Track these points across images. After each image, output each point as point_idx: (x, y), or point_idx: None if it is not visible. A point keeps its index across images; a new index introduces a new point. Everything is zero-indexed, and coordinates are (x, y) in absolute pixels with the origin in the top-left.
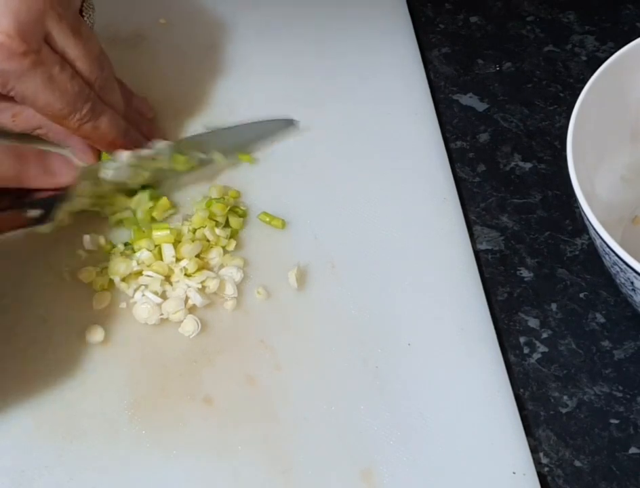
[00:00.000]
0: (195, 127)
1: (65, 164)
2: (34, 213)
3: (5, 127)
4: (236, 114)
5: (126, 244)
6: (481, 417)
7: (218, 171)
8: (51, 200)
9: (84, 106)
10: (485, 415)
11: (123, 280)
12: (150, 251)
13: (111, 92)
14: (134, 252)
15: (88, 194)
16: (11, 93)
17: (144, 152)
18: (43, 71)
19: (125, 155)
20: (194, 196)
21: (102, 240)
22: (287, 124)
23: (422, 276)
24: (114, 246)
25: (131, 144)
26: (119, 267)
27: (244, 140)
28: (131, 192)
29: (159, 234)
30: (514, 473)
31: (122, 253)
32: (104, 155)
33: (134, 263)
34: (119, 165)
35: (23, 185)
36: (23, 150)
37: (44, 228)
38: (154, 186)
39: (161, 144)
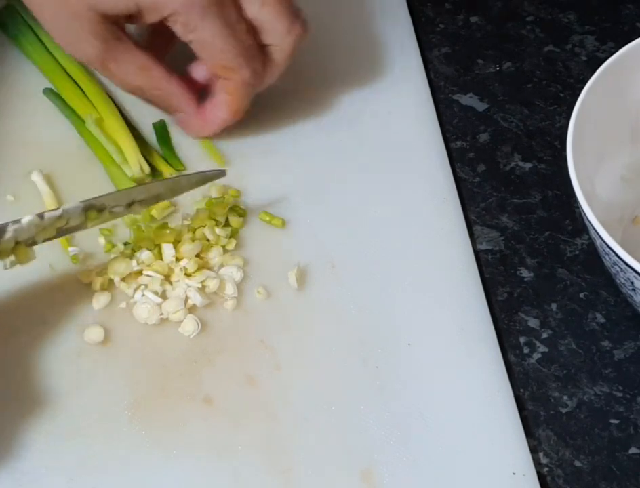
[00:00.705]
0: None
1: None
2: None
3: (126, 79)
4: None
5: (126, 244)
6: (480, 417)
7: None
8: None
9: (257, 65)
10: (485, 415)
11: (123, 280)
12: (150, 250)
13: (275, 68)
14: (134, 252)
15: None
16: (191, 37)
17: (48, 214)
18: (221, 15)
19: (25, 219)
20: (194, 196)
21: (101, 240)
22: (217, 174)
23: (422, 276)
24: (114, 246)
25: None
26: (119, 267)
27: (169, 192)
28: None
29: (159, 234)
30: (514, 474)
31: (122, 253)
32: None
33: (134, 263)
34: (20, 227)
35: None
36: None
37: None
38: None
39: (69, 206)
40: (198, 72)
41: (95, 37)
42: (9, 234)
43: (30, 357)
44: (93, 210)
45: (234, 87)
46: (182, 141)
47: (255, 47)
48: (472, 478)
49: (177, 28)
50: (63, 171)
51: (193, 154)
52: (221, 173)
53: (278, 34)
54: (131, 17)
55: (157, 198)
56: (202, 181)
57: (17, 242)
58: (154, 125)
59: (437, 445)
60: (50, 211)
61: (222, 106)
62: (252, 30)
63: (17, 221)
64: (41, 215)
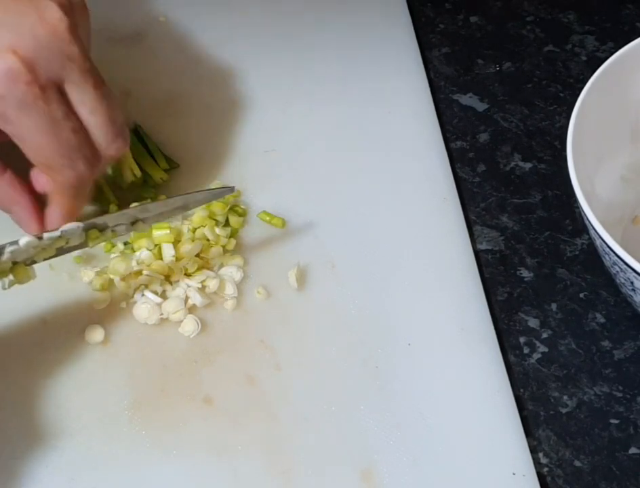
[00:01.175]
0: (196, 126)
1: None
2: None
3: None
4: (236, 114)
5: (126, 243)
6: (480, 417)
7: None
8: None
9: (81, 165)
10: (485, 415)
11: (123, 280)
12: (150, 250)
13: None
14: (134, 252)
15: None
16: (7, 128)
17: (47, 235)
18: (43, 110)
19: (23, 241)
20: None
21: None
22: (226, 191)
23: (422, 276)
24: (113, 245)
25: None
26: (119, 266)
27: (177, 209)
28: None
29: (159, 233)
30: (514, 474)
31: (122, 253)
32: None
33: (134, 262)
34: (17, 248)
35: None
36: None
37: None
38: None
39: (68, 226)
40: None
41: None
42: (6, 256)
43: (30, 357)
44: (95, 230)
45: (60, 189)
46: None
47: (83, 147)
48: (472, 478)
49: None
50: None
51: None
52: (229, 190)
53: (102, 142)
54: None
55: (160, 217)
56: (209, 198)
57: (15, 262)
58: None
59: (437, 445)
60: (49, 231)
61: (55, 209)
62: (82, 130)
63: (15, 242)
64: (39, 236)
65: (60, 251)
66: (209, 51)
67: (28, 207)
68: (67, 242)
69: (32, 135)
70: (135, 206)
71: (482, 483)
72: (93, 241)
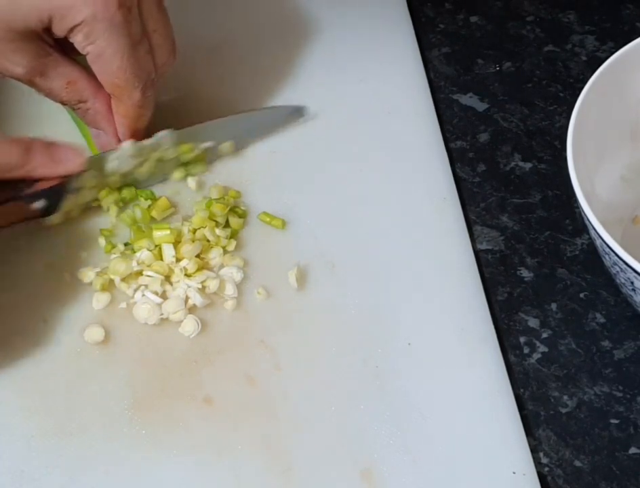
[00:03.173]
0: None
1: (71, 153)
2: (38, 204)
3: (53, 93)
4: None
5: (126, 244)
6: (481, 417)
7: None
8: (56, 191)
9: (149, 88)
10: (485, 415)
11: (123, 280)
12: (150, 250)
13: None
14: (134, 252)
15: (93, 185)
16: (89, 48)
17: (146, 141)
18: (127, 32)
19: (127, 145)
20: (194, 197)
21: (101, 241)
22: (295, 111)
23: (422, 276)
24: (114, 246)
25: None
26: (119, 267)
27: (250, 128)
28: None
29: (159, 234)
30: (514, 473)
31: (122, 253)
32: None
33: (134, 263)
34: (122, 154)
35: (29, 174)
36: (29, 140)
37: (49, 220)
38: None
39: (162, 134)
40: None
41: (21, 55)
42: (111, 164)
43: (30, 357)
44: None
45: (125, 110)
46: None
47: (152, 71)
48: (472, 478)
49: (78, 38)
50: None
51: None
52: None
53: (159, 60)
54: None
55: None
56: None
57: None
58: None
59: (437, 445)
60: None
61: (120, 129)
62: (151, 56)
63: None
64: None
65: (160, 165)
66: (209, 53)
67: (114, 126)
68: (161, 154)
69: (114, 55)
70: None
71: (482, 482)
72: (184, 152)
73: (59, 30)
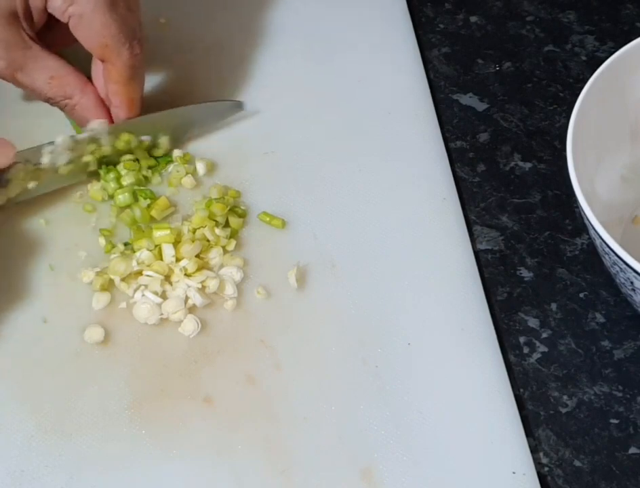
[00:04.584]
0: None
1: (2, 147)
2: None
3: (37, 89)
4: (236, 116)
5: (126, 244)
6: (481, 416)
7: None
8: None
9: (136, 43)
10: (485, 414)
11: (123, 280)
12: (150, 250)
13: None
14: (134, 252)
15: (25, 178)
16: (70, 9)
17: (80, 135)
18: None
19: (60, 139)
20: (194, 196)
21: (101, 241)
22: (234, 106)
23: (422, 275)
24: (114, 246)
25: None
26: (119, 267)
27: (189, 122)
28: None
29: (159, 234)
30: (514, 473)
31: (122, 253)
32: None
33: (134, 263)
34: (55, 148)
35: None
36: None
37: None
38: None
39: (95, 125)
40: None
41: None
42: (45, 157)
43: (30, 357)
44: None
45: (118, 73)
46: None
47: (136, 27)
48: (472, 478)
49: (57, 3)
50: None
51: None
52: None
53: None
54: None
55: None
56: (215, 113)
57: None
58: None
59: (437, 444)
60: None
61: (117, 101)
62: (135, 13)
63: (51, 142)
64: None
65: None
66: (208, 53)
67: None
68: (98, 145)
69: (95, 12)
70: (146, 116)
71: (482, 482)
72: (121, 143)
73: (37, 1)
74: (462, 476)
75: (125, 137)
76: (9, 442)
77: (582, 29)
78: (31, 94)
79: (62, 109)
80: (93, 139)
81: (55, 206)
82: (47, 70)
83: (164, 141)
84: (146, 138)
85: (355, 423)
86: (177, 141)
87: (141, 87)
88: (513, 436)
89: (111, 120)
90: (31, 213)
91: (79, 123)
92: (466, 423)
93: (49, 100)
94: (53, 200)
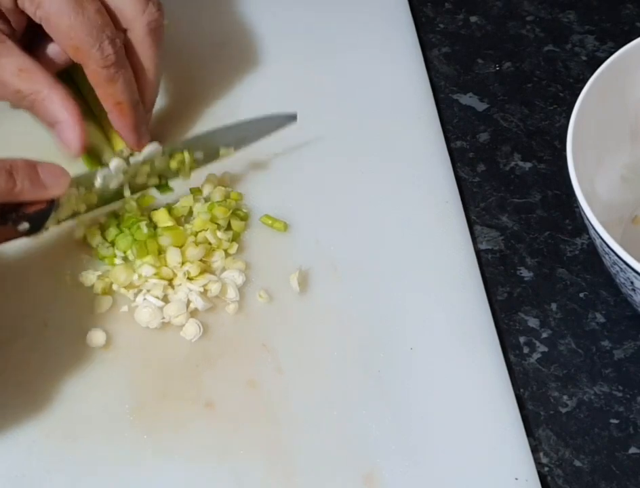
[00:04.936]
0: (200, 128)
1: (56, 174)
2: (22, 226)
3: (6, 83)
4: (239, 114)
5: (125, 257)
6: (483, 422)
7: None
8: (41, 213)
9: (107, 45)
10: (487, 420)
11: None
12: (153, 265)
13: (142, 56)
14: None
15: (77, 202)
16: (38, 13)
17: (134, 158)
18: None
19: (113, 163)
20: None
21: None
22: (287, 120)
23: (424, 279)
24: (115, 254)
25: (136, 121)
26: (119, 276)
27: (243, 137)
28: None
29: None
30: (516, 479)
31: (124, 264)
32: (86, 161)
33: (135, 277)
34: (108, 172)
35: (13, 200)
36: (11, 162)
37: (31, 238)
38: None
39: (150, 148)
40: None
41: None
42: (99, 181)
43: (31, 360)
44: (175, 151)
45: (94, 75)
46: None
47: (106, 26)
48: (474, 483)
49: (26, 5)
50: None
51: None
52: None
53: (130, 17)
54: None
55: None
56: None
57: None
58: None
59: (439, 450)
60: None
61: (105, 106)
62: (105, 14)
63: (106, 166)
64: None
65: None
66: (213, 54)
67: (78, 119)
68: (152, 166)
69: (60, 15)
70: (201, 133)
71: (484, 487)
72: (176, 162)
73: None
74: (463, 480)
75: (178, 156)
76: (11, 447)
77: (582, 29)
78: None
79: (29, 108)
80: (148, 161)
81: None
82: (17, 63)
83: (223, 152)
84: (199, 155)
85: (357, 427)
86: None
87: (128, 89)
88: (515, 441)
89: (80, 117)
90: None
91: (45, 119)
92: (468, 428)
93: (17, 94)
94: None
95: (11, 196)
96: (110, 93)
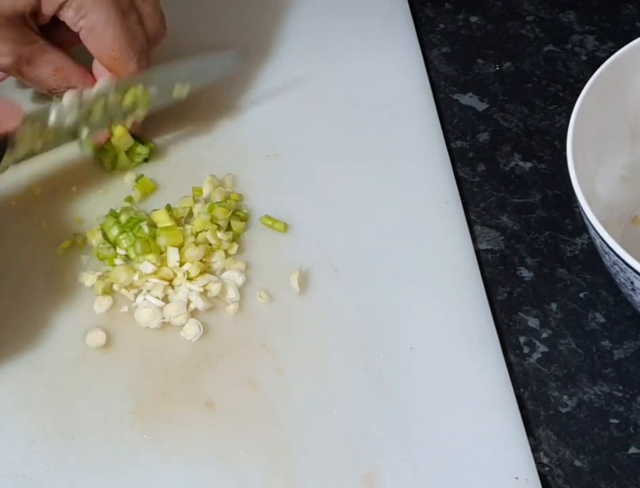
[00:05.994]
0: (198, 130)
1: (9, 110)
2: None
3: (41, 82)
4: (238, 119)
5: (127, 256)
6: (483, 422)
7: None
8: None
9: (143, 58)
10: (487, 420)
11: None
12: (155, 264)
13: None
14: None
15: (32, 139)
16: (81, 22)
17: (86, 93)
18: (116, 2)
19: (66, 98)
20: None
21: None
22: (239, 59)
23: (424, 279)
24: (116, 254)
25: None
26: (120, 276)
27: (198, 73)
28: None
29: (165, 238)
30: (516, 478)
31: (125, 265)
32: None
33: (136, 276)
34: (62, 107)
35: None
36: None
37: None
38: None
39: (102, 83)
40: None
41: (7, 44)
42: (53, 117)
43: (31, 360)
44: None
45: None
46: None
47: (143, 41)
48: (474, 483)
49: (69, 14)
50: None
51: None
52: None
53: (151, 31)
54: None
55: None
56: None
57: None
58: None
59: (439, 450)
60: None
61: None
62: (140, 25)
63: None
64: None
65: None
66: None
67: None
68: (106, 102)
69: (106, 26)
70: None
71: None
72: (129, 96)
73: (49, 9)
74: (463, 481)
75: (132, 91)
76: (11, 447)
77: (582, 29)
78: (34, 85)
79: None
80: (101, 96)
81: (56, 208)
82: (52, 62)
83: (179, 89)
84: (153, 91)
85: (357, 428)
86: (183, 92)
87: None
88: (516, 441)
89: None
90: (32, 215)
91: None
92: (468, 428)
93: (52, 91)
94: (54, 202)
95: None
96: None
